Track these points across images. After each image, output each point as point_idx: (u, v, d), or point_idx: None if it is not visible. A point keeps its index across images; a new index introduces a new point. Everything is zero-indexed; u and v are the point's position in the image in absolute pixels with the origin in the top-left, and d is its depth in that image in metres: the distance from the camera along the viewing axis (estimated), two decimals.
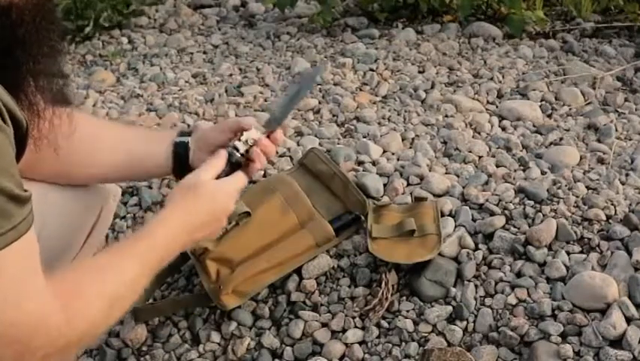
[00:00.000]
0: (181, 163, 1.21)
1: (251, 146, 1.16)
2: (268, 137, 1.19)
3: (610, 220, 1.39)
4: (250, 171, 1.18)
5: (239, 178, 1.14)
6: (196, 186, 1.08)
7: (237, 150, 1.15)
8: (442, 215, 1.43)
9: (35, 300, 0.79)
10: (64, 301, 0.82)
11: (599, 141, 1.76)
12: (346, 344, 1.29)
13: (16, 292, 0.77)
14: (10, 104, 0.76)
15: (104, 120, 1.42)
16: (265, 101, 2.02)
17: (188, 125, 1.86)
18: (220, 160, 1.13)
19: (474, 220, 1.43)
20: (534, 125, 1.84)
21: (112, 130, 1.25)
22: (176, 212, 1.05)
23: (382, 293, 1.31)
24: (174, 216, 1.04)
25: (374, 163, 1.64)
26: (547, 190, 1.46)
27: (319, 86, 2.05)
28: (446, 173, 1.60)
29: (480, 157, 1.68)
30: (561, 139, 1.75)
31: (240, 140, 1.16)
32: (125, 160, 1.21)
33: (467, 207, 1.45)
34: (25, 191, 0.78)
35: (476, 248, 1.38)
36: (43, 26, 0.83)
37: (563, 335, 1.21)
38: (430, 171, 1.59)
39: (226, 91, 2.09)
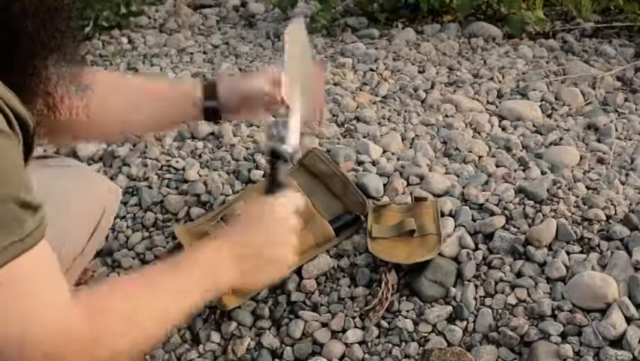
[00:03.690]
0: (213, 117, 1.25)
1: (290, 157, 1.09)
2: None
3: (610, 220, 1.39)
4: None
5: (291, 198, 1.10)
6: (246, 212, 1.08)
7: (278, 173, 1.08)
8: (442, 215, 1.43)
9: (59, 310, 0.75)
10: (89, 314, 0.77)
11: (599, 141, 1.76)
12: (346, 344, 1.29)
13: (39, 301, 0.73)
14: (17, 107, 0.74)
15: (133, 82, 1.39)
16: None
17: None
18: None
19: (474, 220, 1.43)
20: (534, 125, 1.84)
21: (142, 99, 1.24)
22: (219, 240, 1.00)
23: (382, 293, 1.31)
24: (216, 244, 0.98)
25: (374, 163, 1.64)
26: (548, 190, 1.46)
27: None
28: (446, 173, 1.60)
29: (480, 157, 1.68)
30: (561, 139, 1.75)
31: (279, 159, 1.08)
32: (157, 123, 1.29)
33: (467, 207, 1.45)
34: (36, 198, 0.75)
35: (476, 248, 1.38)
36: (51, 15, 0.80)
37: (563, 335, 1.21)
38: (430, 171, 1.59)
39: None
